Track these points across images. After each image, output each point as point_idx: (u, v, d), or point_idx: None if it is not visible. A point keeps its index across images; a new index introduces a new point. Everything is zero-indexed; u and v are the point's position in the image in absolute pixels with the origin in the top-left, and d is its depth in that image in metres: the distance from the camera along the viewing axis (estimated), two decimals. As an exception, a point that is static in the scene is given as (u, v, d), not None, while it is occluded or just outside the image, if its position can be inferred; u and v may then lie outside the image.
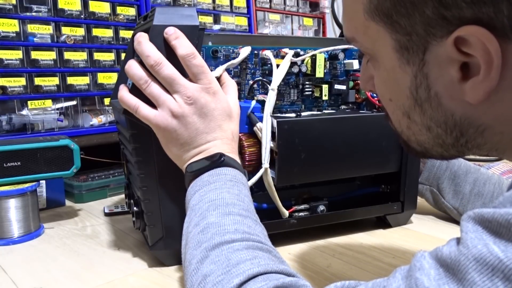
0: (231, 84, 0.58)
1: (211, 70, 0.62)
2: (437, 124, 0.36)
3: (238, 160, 0.53)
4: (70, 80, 0.94)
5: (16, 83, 0.87)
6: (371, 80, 0.41)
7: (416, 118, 0.37)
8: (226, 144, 0.53)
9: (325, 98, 0.68)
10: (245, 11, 1.29)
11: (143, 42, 0.51)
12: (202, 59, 0.52)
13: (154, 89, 0.51)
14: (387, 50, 0.35)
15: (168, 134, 0.52)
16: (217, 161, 0.50)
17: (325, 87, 0.68)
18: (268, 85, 0.62)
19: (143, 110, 0.52)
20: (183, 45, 0.52)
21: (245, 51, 0.62)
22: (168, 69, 0.51)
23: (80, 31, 0.96)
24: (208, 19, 1.19)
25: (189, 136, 0.51)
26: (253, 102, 0.62)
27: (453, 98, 0.33)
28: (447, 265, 0.27)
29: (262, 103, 0.62)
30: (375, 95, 0.69)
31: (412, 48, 0.33)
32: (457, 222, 0.74)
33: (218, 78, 0.57)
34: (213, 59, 0.62)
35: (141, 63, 0.52)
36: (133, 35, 0.73)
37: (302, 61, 0.66)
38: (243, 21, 1.28)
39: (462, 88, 0.32)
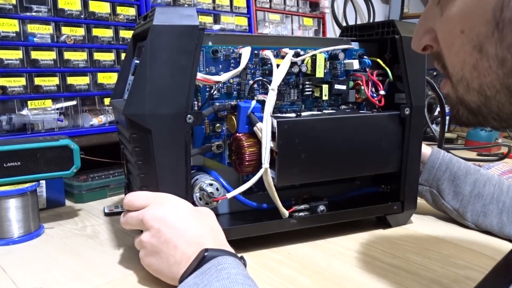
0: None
1: (212, 71, 0.62)
2: None
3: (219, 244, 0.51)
4: (70, 80, 0.94)
5: (16, 83, 0.87)
6: (429, 34, 0.39)
7: (490, 48, 0.33)
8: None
9: (325, 98, 0.68)
10: (245, 11, 1.29)
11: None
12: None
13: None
14: None
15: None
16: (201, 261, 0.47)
17: (325, 87, 0.68)
18: (268, 85, 0.62)
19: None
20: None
21: (245, 56, 0.62)
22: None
23: (80, 31, 0.96)
24: (208, 19, 1.19)
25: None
26: (253, 102, 0.62)
27: None
28: None
29: (262, 103, 0.62)
30: (375, 95, 0.69)
31: None
32: (457, 223, 0.74)
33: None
34: (213, 59, 0.62)
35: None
36: (133, 35, 0.73)
37: (302, 61, 0.66)
38: (243, 21, 1.28)
39: None
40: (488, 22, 0.33)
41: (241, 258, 0.50)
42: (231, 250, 0.52)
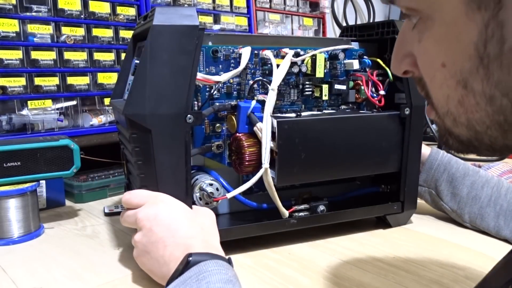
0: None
1: (212, 71, 0.62)
2: (504, 92, 0.29)
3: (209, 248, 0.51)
4: (70, 80, 0.94)
5: (16, 83, 0.87)
6: (408, 58, 0.36)
7: (476, 85, 0.30)
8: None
9: (325, 98, 0.68)
10: (245, 11, 1.29)
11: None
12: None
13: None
14: None
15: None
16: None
17: (325, 87, 0.68)
18: (268, 85, 0.62)
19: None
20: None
21: (245, 56, 0.62)
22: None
23: (80, 31, 0.96)
24: (208, 19, 1.19)
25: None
26: (253, 102, 0.62)
27: None
28: None
29: (262, 103, 0.62)
30: (375, 95, 0.69)
31: None
32: (456, 223, 0.74)
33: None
34: (213, 59, 0.62)
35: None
36: (133, 35, 0.73)
37: (302, 61, 0.66)
38: (243, 21, 1.28)
39: None
40: (471, 58, 0.29)
41: (228, 260, 0.49)
42: (218, 251, 0.51)
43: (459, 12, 0.29)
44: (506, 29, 0.27)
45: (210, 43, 0.63)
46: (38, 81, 0.90)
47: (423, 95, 0.37)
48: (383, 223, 0.74)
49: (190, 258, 0.46)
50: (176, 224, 0.53)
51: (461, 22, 0.29)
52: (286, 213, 0.65)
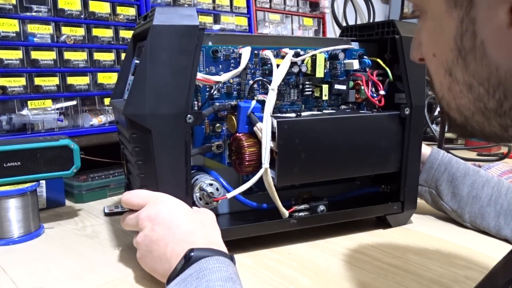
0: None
1: (212, 71, 0.62)
2: (480, 82, 0.32)
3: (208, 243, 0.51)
4: (70, 80, 0.94)
5: (16, 83, 0.87)
6: (420, 47, 0.39)
7: (458, 74, 0.34)
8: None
9: (325, 98, 0.68)
10: (245, 11, 1.29)
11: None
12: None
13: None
14: None
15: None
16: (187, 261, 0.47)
17: (325, 87, 0.68)
18: (268, 85, 0.62)
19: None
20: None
21: (245, 56, 0.62)
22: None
23: (80, 31, 0.96)
24: (208, 19, 1.19)
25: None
26: (253, 102, 0.62)
27: (500, 47, 0.30)
28: None
29: (262, 103, 0.62)
30: (375, 95, 0.69)
31: None
32: (456, 223, 0.74)
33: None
34: (213, 59, 0.62)
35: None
36: (133, 35, 0.73)
37: (302, 61, 0.66)
38: (243, 21, 1.28)
39: (510, 35, 0.29)
40: (452, 50, 0.33)
41: (231, 256, 0.49)
42: (221, 247, 0.52)
43: (442, 8, 0.32)
44: (477, 26, 0.30)
45: (210, 43, 0.63)
46: (38, 81, 0.90)
47: (429, 81, 0.39)
48: (383, 223, 0.74)
49: (192, 254, 0.47)
50: (177, 221, 0.53)
51: (444, 17, 0.33)
52: (286, 213, 0.65)
